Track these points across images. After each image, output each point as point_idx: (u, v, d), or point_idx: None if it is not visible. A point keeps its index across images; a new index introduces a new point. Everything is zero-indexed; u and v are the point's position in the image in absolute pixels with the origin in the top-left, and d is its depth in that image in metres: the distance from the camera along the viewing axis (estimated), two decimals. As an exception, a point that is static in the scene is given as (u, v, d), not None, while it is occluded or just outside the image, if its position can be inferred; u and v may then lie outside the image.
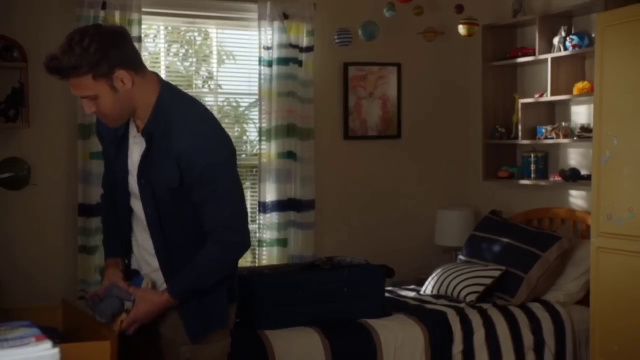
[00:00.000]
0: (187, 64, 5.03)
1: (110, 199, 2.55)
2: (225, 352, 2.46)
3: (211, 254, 2.28)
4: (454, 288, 4.38)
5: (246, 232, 2.36)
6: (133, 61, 2.21)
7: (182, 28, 4.96)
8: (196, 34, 5.04)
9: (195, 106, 2.34)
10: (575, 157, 4.76)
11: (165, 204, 2.30)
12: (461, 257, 4.79)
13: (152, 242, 2.35)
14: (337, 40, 4.86)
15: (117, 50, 2.15)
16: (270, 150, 4.83)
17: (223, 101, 5.12)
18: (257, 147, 4.90)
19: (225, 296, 2.39)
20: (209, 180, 2.23)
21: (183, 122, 2.24)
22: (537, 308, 4.22)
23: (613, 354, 3.75)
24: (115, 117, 2.25)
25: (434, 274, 4.64)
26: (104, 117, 2.24)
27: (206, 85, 5.11)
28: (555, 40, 4.61)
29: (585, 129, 4.46)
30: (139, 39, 4.45)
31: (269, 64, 4.80)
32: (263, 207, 4.84)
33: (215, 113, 5.03)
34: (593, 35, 4.30)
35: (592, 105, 4.07)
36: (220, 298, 2.38)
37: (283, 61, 4.81)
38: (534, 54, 4.77)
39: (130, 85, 2.18)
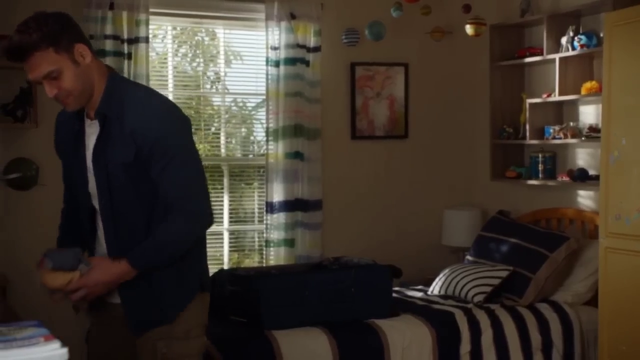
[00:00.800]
0: (194, 64, 5.04)
1: (71, 212, 2.56)
2: (201, 351, 2.43)
3: (172, 224, 2.25)
4: (462, 288, 4.37)
5: (206, 201, 2.33)
6: (87, 40, 2.29)
7: (190, 28, 4.97)
8: (204, 34, 5.05)
9: (141, 86, 2.46)
10: (583, 157, 4.75)
11: (119, 188, 2.28)
12: (469, 257, 4.78)
13: (104, 231, 2.34)
14: (344, 40, 4.85)
15: (72, 27, 2.23)
16: (277, 150, 4.83)
17: (230, 102, 5.13)
18: (265, 147, 4.90)
19: (179, 286, 2.34)
20: (163, 152, 2.23)
21: (133, 100, 2.27)
22: (545, 309, 4.21)
23: (621, 355, 3.73)
24: (77, 95, 2.25)
25: (441, 274, 4.63)
26: (66, 96, 2.25)
27: (214, 86, 5.11)
28: (563, 40, 4.60)
29: (594, 129, 4.44)
30: (147, 40, 4.46)
31: (277, 64, 4.81)
32: (270, 208, 4.84)
33: (222, 113, 5.06)
34: (601, 34, 4.28)
35: (600, 105, 4.05)
36: (176, 287, 2.34)
37: (290, 61, 4.81)
38: (541, 54, 4.75)
39: (89, 59, 2.24)
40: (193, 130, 2.52)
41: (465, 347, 3.94)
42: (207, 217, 2.33)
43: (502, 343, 4.02)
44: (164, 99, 2.37)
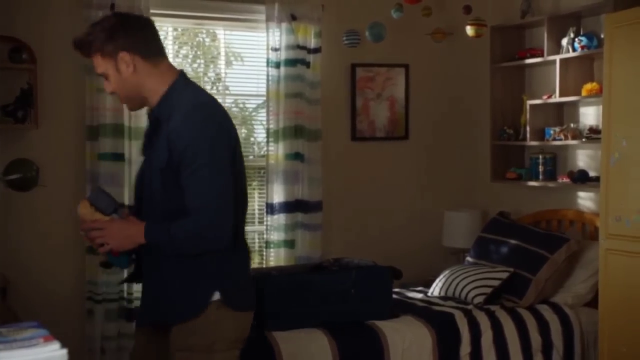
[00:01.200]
0: (195, 65, 5.04)
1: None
2: None
3: (185, 225, 2.28)
4: (462, 290, 4.38)
5: (223, 217, 2.28)
6: (141, 48, 2.34)
7: (190, 30, 4.97)
8: (204, 35, 5.06)
9: (198, 96, 2.40)
10: (583, 158, 4.75)
11: (153, 191, 2.37)
12: (469, 258, 4.79)
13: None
14: (345, 42, 4.86)
15: (124, 35, 2.32)
16: (277, 151, 4.83)
17: (231, 103, 5.13)
18: (265, 148, 4.90)
19: (187, 292, 2.36)
20: (190, 160, 2.25)
21: (179, 105, 2.33)
22: (545, 310, 4.21)
23: (622, 356, 3.73)
24: (123, 98, 2.42)
25: (441, 276, 4.63)
26: (120, 97, 2.42)
27: (215, 87, 5.12)
28: (564, 41, 4.60)
29: (594, 131, 4.44)
30: (147, 41, 4.46)
31: (277, 65, 4.81)
32: (270, 209, 4.84)
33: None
34: (602, 36, 4.28)
35: (600, 107, 4.05)
36: (185, 292, 2.36)
37: (291, 62, 4.81)
38: (542, 55, 4.76)
39: (132, 69, 2.33)
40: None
41: (465, 348, 3.94)
42: (218, 233, 2.29)
43: (502, 344, 4.02)
44: (210, 113, 2.33)
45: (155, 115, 2.39)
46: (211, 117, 2.32)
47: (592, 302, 4.23)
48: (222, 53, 5.03)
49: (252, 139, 5.20)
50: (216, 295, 2.34)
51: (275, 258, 4.85)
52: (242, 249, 2.48)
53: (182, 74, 2.43)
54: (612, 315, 3.80)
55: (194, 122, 2.27)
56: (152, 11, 4.51)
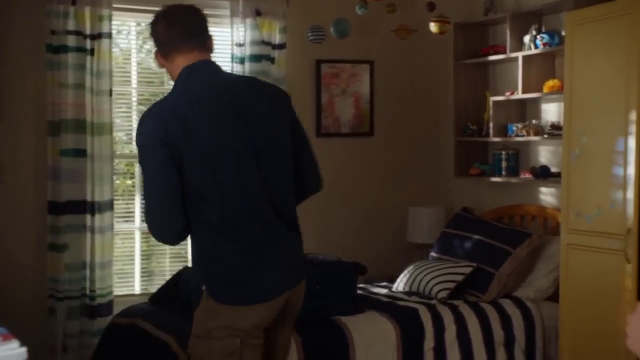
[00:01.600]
0: (158, 60, 5.00)
1: None
2: (227, 353, 2.44)
3: None
4: (426, 285, 4.41)
5: (152, 221, 2.44)
6: (161, 45, 2.56)
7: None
8: (168, 30, 5.01)
9: (163, 98, 2.60)
10: (545, 154, 4.81)
11: None
12: (433, 254, 4.82)
13: None
14: (310, 38, 4.85)
15: (154, 32, 2.58)
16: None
17: (195, 98, 5.10)
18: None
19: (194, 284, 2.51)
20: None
21: None
22: (507, 304, 4.26)
23: (582, 349, 3.80)
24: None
25: (405, 271, 4.66)
26: None
27: (178, 82, 5.08)
28: (526, 38, 4.65)
29: (556, 127, 4.50)
30: (110, 36, 4.41)
31: (242, 61, 4.79)
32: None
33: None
34: (563, 33, 4.34)
35: (562, 103, 4.11)
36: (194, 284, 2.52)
37: (256, 58, 4.80)
38: (505, 52, 4.81)
39: (160, 64, 2.58)
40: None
41: (429, 343, 3.97)
42: (156, 234, 2.48)
43: (465, 339, 4.06)
44: (147, 115, 2.46)
45: None
46: (144, 118, 2.45)
47: (554, 296, 4.29)
48: (188, 48, 4.98)
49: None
50: (203, 288, 2.45)
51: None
52: (233, 244, 2.43)
53: (184, 71, 2.49)
54: (572, 309, 3.86)
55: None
56: (114, 5, 4.46)
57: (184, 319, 3.69)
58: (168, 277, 4.74)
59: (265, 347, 2.56)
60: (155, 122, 2.39)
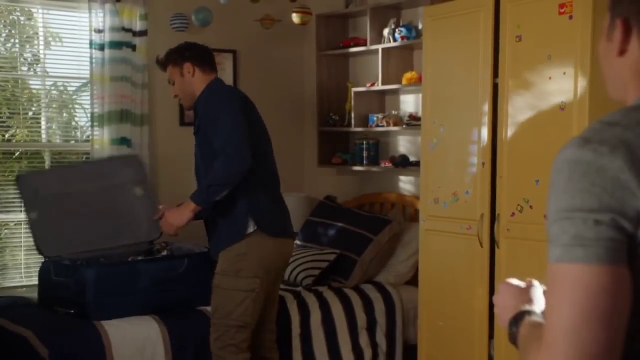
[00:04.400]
0: (9, 45, 4.76)
1: None
2: (253, 289, 3.32)
3: (213, 170, 3.29)
4: (291, 272, 4.46)
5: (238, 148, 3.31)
6: (199, 62, 3.50)
7: (3, 7, 4.68)
8: (19, 14, 4.77)
9: (217, 86, 3.57)
10: (404, 144, 4.98)
11: (197, 157, 3.49)
12: (297, 242, 4.87)
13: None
14: (173, 26, 4.77)
15: (190, 52, 3.52)
16: (103, 136, 4.67)
17: (51, 85, 4.89)
18: (89, 133, 4.73)
19: (229, 225, 3.35)
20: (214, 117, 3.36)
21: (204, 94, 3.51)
22: (369, 289, 4.39)
23: (439, 330, 3.97)
24: (183, 98, 3.56)
25: (271, 259, 4.69)
26: (180, 98, 3.59)
27: (32, 69, 4.86)
28: (385, 31, 4.78)
29: (414, 117, 4.66)
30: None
31: (101, 47, 4.64)
32: (96, 195, 4.69)
33: (42, 97, 4.81)
34: (420, 27, 4.50)
35: (420, 95, 4.27)
36: (227, 225, 3.37)
37: (116, 45, 4.66)
38: (365, 45, 4.92)
39: (192, 74, 3.48)
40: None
41: (295, 329, 4.03)
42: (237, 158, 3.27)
43: (330, 324, 4.15)
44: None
45: (195, 106, 3.49)
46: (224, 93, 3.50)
47: (413, 280, 4.45)
48: (40, 33, 4.78)
49: (73, 123, 4.99)
50: (251, 227, 3.31)
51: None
52: (271, 192, 3.46)
53: (214, 80, 3.51)
54: (430, 292, 4.03)
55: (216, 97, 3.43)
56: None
57: (46, 314, 3.57)
58: (24, 271, 4.56)
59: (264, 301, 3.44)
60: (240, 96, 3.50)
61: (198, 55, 3.51)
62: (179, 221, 3.38)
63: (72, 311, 3.65)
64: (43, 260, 3.88)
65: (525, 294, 1.30)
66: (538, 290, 1.31)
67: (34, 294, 4.14)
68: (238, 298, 3.32)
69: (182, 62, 3.47)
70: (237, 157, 3.21)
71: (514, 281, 1.36)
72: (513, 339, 1.25)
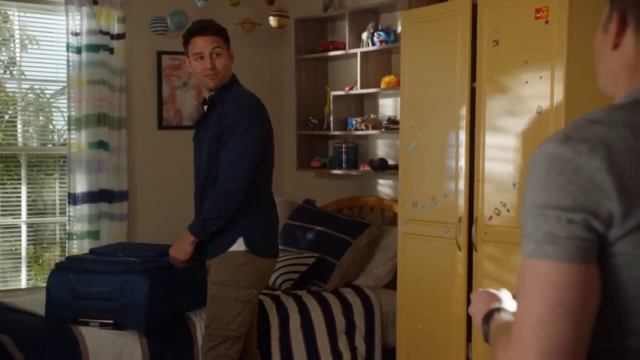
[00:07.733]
0: (-16, 47, 4.72)
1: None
2: (250, 300, 3.30)
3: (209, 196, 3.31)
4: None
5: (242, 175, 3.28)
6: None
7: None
8: (-5, 16, 4.74)
9: (244, 89, 3.48)
10: (383, 147, 4.99)
11: (209, 154, 3.31)
12: (276, 245, 4.87)
13: (195, 193, 3.47)
14: (152, 29, 4.75)
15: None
16: (80, 139, 4.64)
17: (27, 88, 4.86)
18: (66, 136, 4.70)
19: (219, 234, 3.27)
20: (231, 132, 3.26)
21: (235, 94, 3.37)
22: (348, 293, 4.39)
23: (417, 333, 3.98)
24: (221, 75, 3.33)
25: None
26: (216, 72, 3.31)
27: (8, 71, 4.82)
28: (364, 35, 4.79)
29: (392, 121, 4.67)
30: None
31: (78, 50, 4.61)
32: (73, 199, 4.65)
33: (18, 100, 4.78)
34: (399, 31, 4.51)
35: (398, 98, 4.28)
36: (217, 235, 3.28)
37: (93, 48, 4.64)
38: (344, 48, 4.93)
39: (232, 60, 3.41)
40: None
41: (275, 333, 4.02)
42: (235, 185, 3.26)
43: (309, 328, 4.15)
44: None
45: (215, 97, 3.35)
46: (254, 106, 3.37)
47: (391, 284, 4.46)
48: (17, 36, 4.74)
49: (50, 126, 4.96)
50: (241, 243, 3.25)
51: (79, 249, 4.66)
52: (267, 209, 3.41)
53: (233, 73, 3.41)
54: (409, 295, 4.04)
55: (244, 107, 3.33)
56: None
57: (23, 319, 3.54)
58: None
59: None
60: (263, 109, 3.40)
61: None
62: (182, 255, 3.33)
63: (111, 321, 3.60)
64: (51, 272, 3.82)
65: (495, 297, 1.35)
66: (507, 294, 1.36)
67: (10, 299, 4.10)
68: (236, 309, 3.28)
69: (229, 44, 3.40)
70: (232, 194, 3.21)
71: (486, 289, 1.40)
72: (486, 337, 1.27)
